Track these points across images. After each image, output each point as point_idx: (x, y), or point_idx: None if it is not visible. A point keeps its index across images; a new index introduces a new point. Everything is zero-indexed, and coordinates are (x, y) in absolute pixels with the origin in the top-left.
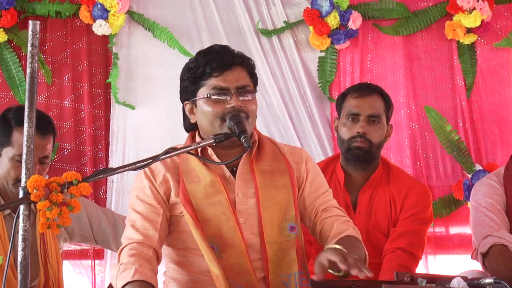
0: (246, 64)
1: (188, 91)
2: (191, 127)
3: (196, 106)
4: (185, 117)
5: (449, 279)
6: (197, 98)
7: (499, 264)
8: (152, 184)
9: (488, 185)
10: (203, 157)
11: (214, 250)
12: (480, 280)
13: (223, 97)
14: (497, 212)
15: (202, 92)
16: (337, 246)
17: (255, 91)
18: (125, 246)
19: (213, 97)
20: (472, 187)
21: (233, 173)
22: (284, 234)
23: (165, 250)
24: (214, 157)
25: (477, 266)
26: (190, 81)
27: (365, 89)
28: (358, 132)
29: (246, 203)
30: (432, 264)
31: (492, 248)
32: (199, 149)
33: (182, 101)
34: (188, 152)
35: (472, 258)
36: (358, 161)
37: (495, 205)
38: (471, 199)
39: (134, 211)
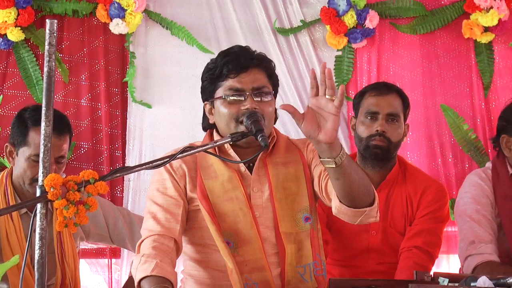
0: (264, 66)
1: (207, 92)
2: (209, 126)
3: (214, 107)
4: (204, 116)
5: (472, 278)
6: (214, 98)
7: None
8: (172, 177)
9: (476, 185)
10: (220, 152)
11: (230, 245)
12: (507, 279)
13: (238, 98)
14: (482, 220)
15: (219, 92)
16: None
17: (274, 92)
18: (146, 238)
19: (228, 98)
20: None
21: (249, 168)
22: (299, 225)
23: (183, 248)
24: (231, 152)
25: None
26: (209, 82)
27: (383, 88)
28: (377, 130)
29: (261, 197)
30: (450, 263)
31: (476, 268)
32: (216, 148)
33: (203, 101)
34: (205, 150)
35: (460, 272)
36: (376, 159)
37: (481, 211)
38: (459, 198)
39: (154, 203)
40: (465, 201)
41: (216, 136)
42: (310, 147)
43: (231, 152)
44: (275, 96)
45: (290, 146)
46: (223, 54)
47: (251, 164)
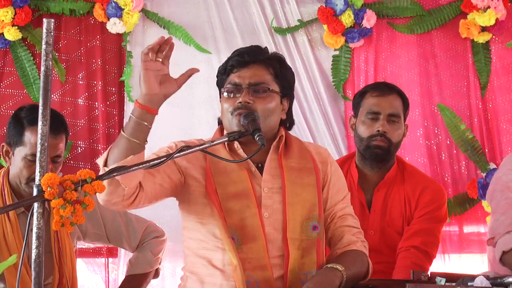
0: (269, 63)
1: (219, 89)
2: (221, 123)
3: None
4: None
5: (469, 277)
6: (220, 94)
7: None
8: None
9: None
10: (230, 150)
11: (235, 241)
12: (504, 279)
13: (233, 95)
14: None
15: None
16: (335, 266)
17: (281, 93)
18: None
19: (226, 92)
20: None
21: (258, 168)
22: (306, 233)
23: (185, 244)
24: (240, 151)
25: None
26: (219, 79)
27: (384, 88)
28: (378, 130)
29: (271, 198)
30: (446, 263)
31: None
32: (226, 144)
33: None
34: (202, 150)
35: (488, 244)
36: (376, 160)
37: None
38: (501, 173)
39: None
40: (510, 178)
41: (225, 132)
42: (329, 168)
43: (241, 151)
44: (285, 97)
45: (304, 150)
46: (234, 51)
47: (259, 165)
